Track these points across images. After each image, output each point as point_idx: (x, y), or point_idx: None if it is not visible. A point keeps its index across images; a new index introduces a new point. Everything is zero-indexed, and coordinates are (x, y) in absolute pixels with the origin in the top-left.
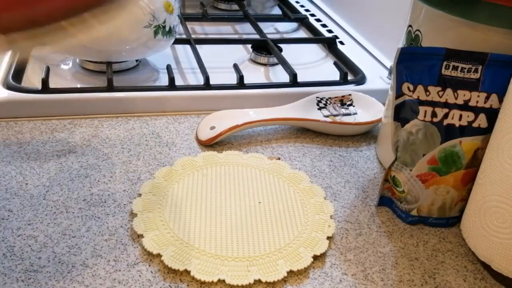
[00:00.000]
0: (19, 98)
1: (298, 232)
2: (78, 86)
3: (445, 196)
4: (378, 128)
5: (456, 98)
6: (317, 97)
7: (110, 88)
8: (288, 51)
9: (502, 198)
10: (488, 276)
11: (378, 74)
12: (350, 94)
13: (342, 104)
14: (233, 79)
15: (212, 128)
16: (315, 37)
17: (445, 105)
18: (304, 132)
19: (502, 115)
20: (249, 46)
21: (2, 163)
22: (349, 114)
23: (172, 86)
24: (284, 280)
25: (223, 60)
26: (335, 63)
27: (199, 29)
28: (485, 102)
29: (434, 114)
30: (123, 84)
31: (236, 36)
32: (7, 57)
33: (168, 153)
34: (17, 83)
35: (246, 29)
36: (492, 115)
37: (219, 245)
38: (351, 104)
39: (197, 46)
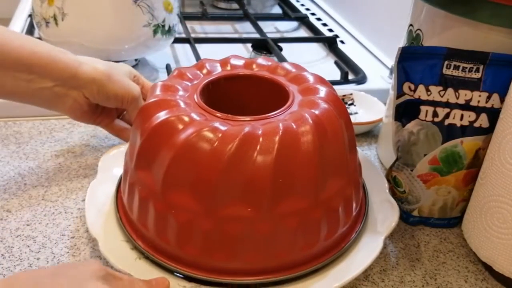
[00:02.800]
0: None
1: None
2: None
3: (446, 197)
4: (379, 128)
5: (457, 98)
6: None
7: None
8: (289, 50)
9: (504, 199)
10: (490, 277)
11: (379, 74)
12: (351, 94)
13: (343, 103)
14: None
15: None
16: (316, 36)
17: (446, 104)
18: None
19: (504, 115)
20: (249, 45)
21: (1, 163)
22: (350, 114)
23: None
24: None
25: None
26: (335, 63)
27: (198, 28)
28: (486, 102)
29: (435, 114)
30: None
31: (236, 35)
32: None
33: None
34: None
35: (246, 28)
36: (494, 114)
37: None
38: (352, 104)
39: (197, 45)
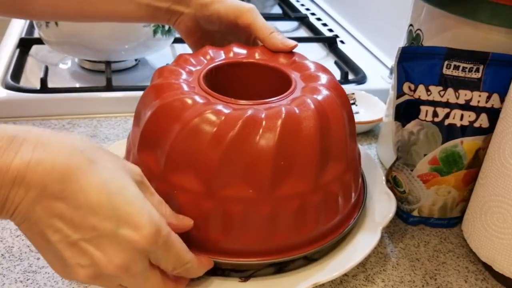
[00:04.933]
0: (17, 98)
1: None
2: (77, 85)
3: (446, 197)
4: (379, 128)
5: (457, 98)
6: None
7: (109, 87)
8: None
9: (504, 199)
10: (490, 277)
11: (379, 74)
12: (353, 93)
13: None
14: None
15: None
16: (316, 36)
17: (446, 104)
18: None
19: (504, 115)
20: None
21: None
22: None
23: None
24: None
25: None
26: (335, 63)
27: None
28: (486, 102)
29: (435, 114)
30: (122, 84)
31: None
32: (5, 56)
33: None
34: (16, 82)
35: None
36: (494, 114)
37: None
38: (354, 103)
39: None
